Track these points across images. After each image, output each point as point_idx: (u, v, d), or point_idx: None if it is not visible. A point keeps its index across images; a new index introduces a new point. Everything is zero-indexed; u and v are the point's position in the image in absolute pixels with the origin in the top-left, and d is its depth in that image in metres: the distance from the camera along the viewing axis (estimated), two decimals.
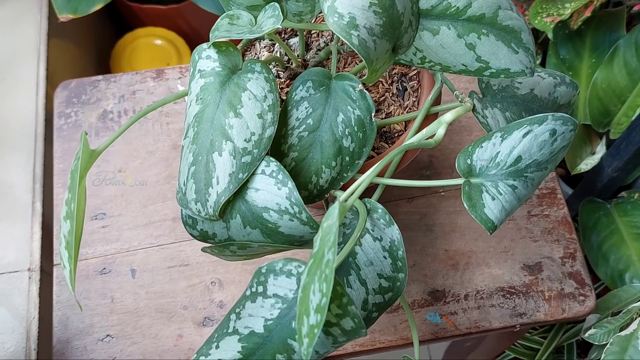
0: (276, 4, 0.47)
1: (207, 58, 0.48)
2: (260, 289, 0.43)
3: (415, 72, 0.58)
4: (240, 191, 0.46)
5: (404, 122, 0.56)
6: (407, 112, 0.57)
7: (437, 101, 0.54)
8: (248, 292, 0.43)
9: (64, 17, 0.92)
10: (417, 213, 0.70)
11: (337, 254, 0.43)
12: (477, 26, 0.47)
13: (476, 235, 0.69)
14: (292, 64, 0.58)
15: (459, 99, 0.50)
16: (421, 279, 0.67)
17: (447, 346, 1.17)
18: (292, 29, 0.61)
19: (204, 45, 0.49)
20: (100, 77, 0.78)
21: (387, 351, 0.65)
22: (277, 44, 0.59)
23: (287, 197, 0.45)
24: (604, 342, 0.69)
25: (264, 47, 0.59)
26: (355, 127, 0.48)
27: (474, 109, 0.50)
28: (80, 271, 0.68)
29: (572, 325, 0.92)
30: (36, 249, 0.78)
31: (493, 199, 0.46)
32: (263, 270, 0.43)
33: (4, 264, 0.77)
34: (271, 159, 0.46)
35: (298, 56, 0.58)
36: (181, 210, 0.48)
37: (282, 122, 0.49)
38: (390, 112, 0.57)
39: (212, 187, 0.45)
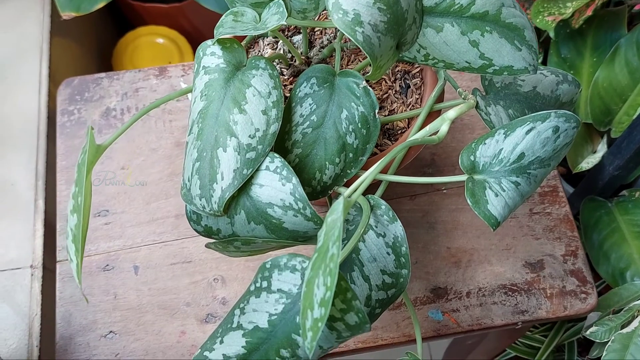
0: (280, 1, 0.47)
1: (211, 55, 0.48)
2: (265, 284, 0.43)
3: (418, 69, 0.59)
4: (244, 187, 0.46)
5: (407, 120, 0.56)
6: (410, 110, 0.57)
7: (440, 98, 0.54)
8: (252, 288, 0.44)
9: (66, 14, 0.92)
10: (420, 211, 0.70)
11: (341, 249, 0.43)
12: (480, 23, 0.47)
13: (478, 233, 0.69)
14: (295, 61, 0.58)
15: (462, 96, 0.50)
16: (423, 277, 0.67)
17: (447, 345, 1.18)
18: (295, 27, 0.61)
19: (209, 41, 0.49)
20: (103, 74, 0.78)
21: (389, 348, 0.65)
22: (280, 42, 0.59)
23: (291, 192, 0.45)
24: (606, 340, 0.69)
25: (268, 44, 0.59)
26: (359, 124, 0.49)
27: (477, 106, 0.50)
28: (84, 268, 0.68)
29: (573, 323, 0.92)
30: (38, 246, 0.78)
31: (496, 195, 0.46)
32: (267, 266, 0.43)
33: (7, 261, 0.77)
34: (275, 155, 0.46)
35: (301, 54, 0.58)
36: (186, 206, 0.48)
37: (286, 119, 0.49)
38: (393, 110, 0.57)
39: (217, 183, 0.46)
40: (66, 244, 0.43)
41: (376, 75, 0.44)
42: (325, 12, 0.62)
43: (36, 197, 0.81)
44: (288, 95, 0.52)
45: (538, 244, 0.69)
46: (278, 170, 0.46)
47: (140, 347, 0.64)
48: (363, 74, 0.50)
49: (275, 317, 0.42)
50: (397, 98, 0.57)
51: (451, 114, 0.48)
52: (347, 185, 0.50)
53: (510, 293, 0.66)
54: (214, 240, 0.48)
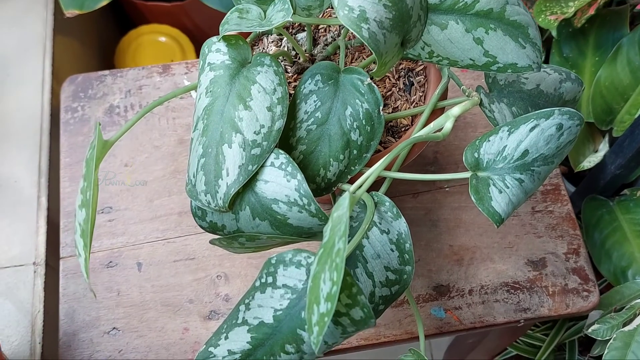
0: None
1: (217, 51, 0.48)
2: (270, 279, 0.43)
3: (421, 67, 0.59)
4: (249, 183, 0.46)
5: (410, 117, 0.57)
6: (414, 107, 0.57)
7: (443, 96, 0.54)
8: (257, 283, 0.44)
9: (70, 12, 0.93)
10: (422, 208, 0.70)
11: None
12: (485, 21, 0.47)
13: (481, 231, 0.69)
14: (299, 58, 0.58)
15: (466, 94, 0.50)
16: (426, 274, 0.67)
17: (448, 345, 1.18)
18: (299, 24, 0.61)
19: (214, 38, 0.49)
20: (107, 71, 0.78)
21: (391, 345, 0.65)
22: (284, 39, 0.59)
23: (296, 189, 0.45)
24: (607, 338, 0.69)
25: (272, 41, 0.59)
26: (364, 121, 0.49)
27: (481, 104, 0.50)
28: None
29: (574, 322, 0.92)
30: (41, 243, 0.78)
31: (500, 192, 0.46)
32: (272, 261, 0.43)
33: (9, 258, 0.77)
34: (280, 151, 0.47)
35: (305, 51, 0.58)
36: (191, 201, 0.48)
37: (291, 116, 0.49)
38: (397, 107, 0.57)
39: (222, 179, 0.46)
40: (74, 238, 0.44)
41: (381, 71, 0.44)
42: (329, 9, 0.62)
43: (39, 194, 0.81)
44: (292, 92, 0.52)
45: (540, 242, 0.69)
46: (283, 166, 0.46)
47: (144, 343, 0.64)
48: (367, 72, 0.50)
49: (281, 312, 0.43)
50: (401, 95, 0.58)
51: (455, 110, 0.48)
52: (351, 182, 0.50)
53: (513, 291, 0.66)
54: (218, 237, 0.48)
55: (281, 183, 0.46)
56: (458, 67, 0.48)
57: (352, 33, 0.60)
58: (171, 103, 0.76)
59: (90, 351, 0.64)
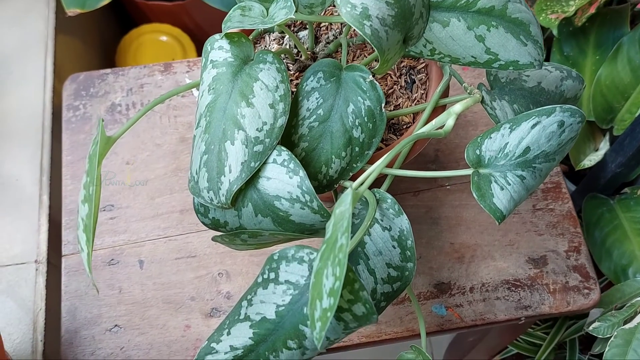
0: None
1: (219, 48, 0.49)
2: (272, 275, 0.43)
3: (423, 65, 0.59)
4: (252, 180, 0.46)
5: (412, 115, 0.57)
6: (415, 105, 0.57)
7: (445, 94, 0.55)
8: (260, 279, 0.44)
9: (71, 11, 0.93)
10: (423, 206, 0.70)
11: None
12: (486, 18, 0.47)
13: (481, 229, 0.69)
14: (301, 56, 0.58)
15: (468, 91, 0.51)
16: (427, 272, 0.67)
17: (449, 343, 1.18)
18: (301, 22, 0.61)
19: (217, 36, 0.49)
20: (108, 70, 0.79)
21: (392, 343, 0.66)
22: (286, 37, 0.59)
23: (298, 185, 0.46)
24: (608, 336, 0.69)
25: (274, 39, 0.60)
26: (366, 118, 0.49)
27: (482, 101, 0.50)
28: None
29: (575, 321, 0.92)
30: (43, 241, 0.78)
31: (502, 189, 0.46)
32: (275, 257, 0.43)
33: (11, 256, 0.77)
34: (282, 148, 0.47)
35: (307, 49, 0.59)
36: (193, 198, 0.48)
37: (293, 113, 0.50)
38: (399, 105, 0.57)
39: (225, 176, 0.46)
40: (77, 233, 0.44)
41: (383, 68, 0.44)
42: (331, 7, 0.62)
43: (41, 192, 0.81)
44: (294, 90, 0.52)
45: (541, 239, 0.69)
46: (285, 163, 0.46)
47: (145, 340, 0.65)
48: (369, 69, 0.50)
49: (283, 308, 0.43)
50: (403, 93, 0.58)
51: (457, 107, 0.48)
52: (353, 179, 0.50)
53: (514, 288, 0.66)
54: (220, 234, 0.48)
55: (283, 180, 0.46)
56: (460, 65, 0.48)
57: (353, 31, 0.60)
58: (172, 101, 0.76)
59: (92, 348, 0.64)
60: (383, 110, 0.49)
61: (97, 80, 0.78)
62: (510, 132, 0.47)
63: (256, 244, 0.50)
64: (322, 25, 0.60)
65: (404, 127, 0.57)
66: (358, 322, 0.42)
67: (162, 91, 0.77)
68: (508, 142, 0.47)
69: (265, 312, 0.43)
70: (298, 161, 0.46)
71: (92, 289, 0.67)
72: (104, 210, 0.71)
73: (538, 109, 0.47)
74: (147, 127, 0.75)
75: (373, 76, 0.50)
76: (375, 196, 0.49)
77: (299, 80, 0.53)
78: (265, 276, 0.44)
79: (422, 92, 0.58)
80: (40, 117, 0.86)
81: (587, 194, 0.93)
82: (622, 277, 0.84)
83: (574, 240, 0.69)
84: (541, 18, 0.90)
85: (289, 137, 0.49)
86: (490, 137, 0.47)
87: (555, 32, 0.90)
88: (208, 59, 0.49)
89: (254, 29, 0.59)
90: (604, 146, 0.94)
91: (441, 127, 0.49)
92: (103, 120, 0.43)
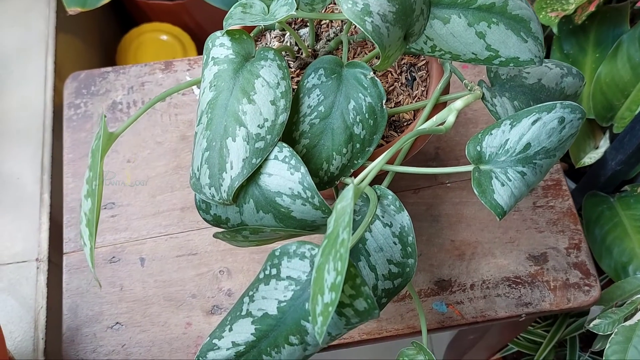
0: None
1: (220, 46, 0.49)
2: (274, 271, 0.43)
3: (424, 62, 0.59)
4: (253, 176, 0.47)
5: (412, 111, 0.57)
6: (416, 102, 0.57)
7: (445, 91, 0.55)
8: (261, 275, 0.44)
9: (72, 10, 0.93)
10: (424, 204, 0.70)
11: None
12: (487, 15, 0.47)
13: (482, 226, 0.69)
14: (302, 53, 0.58)
15: (468, 88, 0.51)
16: (427, 269, 0.67)
17: (449, 341, 1.18)
18: (302, 20, 0.61)
19: (218, 33, 0.49)
20: (109, 68, 0.79)
21: (393, 340, 0.66)
22: (287, 34, 0.59)
23: (299, 181, 0.46)
24: (609, 333, 0.69)
25: (275, 37, 0.60)
26: (367, 114, 0.49)
27: (483, 97, 0.50)
28: None
29: (575, 319, 0.92)
30: (44, 240, 0.78)
31: (502, 185, 0.46)
32: (276, 253, 0.43)
33: (12, 254, 0.77)
34: (284, 144, 0.47)
35: (308, 46, 0.59)
36: (195, 195, 0.49)
37: (294, 110, 0.50)
38: (399, 102, 0.57)
39: (226, 172, 0.46)
40: (79, 229, 0.44)
41: (384, 65, 0.44)
42: (332, 4, 0.62)
43: (42, 191, 0.82)
44: (295, 87, 0.52)
45: (541, 237, 0.69)
46: (287, 159, 0.46)
47: (147, 338, 0.65)
48: (370, 66, 0.50)
49: (285, 304, 0.43)
50: (403, 90, 0.58)
51: (458, 104, 0.48)
52: (354, 176, 0.50)
53: (514, 285, 0.66)
54: (222, 230, 0.48)
55: (285, 176, 0.46)
56: (460, 62, 0.48)
57: (354, 28, 0.60)
58: (173, 99, 0.77)
59: (93, 346, 0.64)
60: (384, 107, 0.49)
61: (98, 78, 0.78)
62: (511, 128, 0.47)
63: (257, 241, 0.50)
64: (323, 22, 0.60)
65: (405, 124, 0.57)
66: (360, 318, 0.42)
67: (163, 89, 0.77)
68: (509, 139, 0.47)
69: (267, 308, 0.43)
70: (299, 158, 0.46)
71: (93, 286, 0.67)
72: (105, 208, 0.71)
73: (539, 105, 0.47)
74: (147, 125, 0.75)
75: (374, 73, 0.50)
76: (376, 192, 0.49)
77: (300, 77, 0.53)
78: (267, 272, 0.44)
79: (423, 89, 0.58)
80: (41, 116, 0.86)
81: (587, 192, 0.93)
82: (623, 274, 0.84)
83: (574, 237, 0.69)
84: (541, 16, 0.90)
85: (290, 134, 0.50)
86: (491, 134, 0.47)
87: (555, 30, 0.90)
88: (209, 56, 0.49)
89: (255, 26, 0.59)
90: (604, 144, 0.94)
91: (442, 124, 0.49)
92: (106, 116, 0.43)
